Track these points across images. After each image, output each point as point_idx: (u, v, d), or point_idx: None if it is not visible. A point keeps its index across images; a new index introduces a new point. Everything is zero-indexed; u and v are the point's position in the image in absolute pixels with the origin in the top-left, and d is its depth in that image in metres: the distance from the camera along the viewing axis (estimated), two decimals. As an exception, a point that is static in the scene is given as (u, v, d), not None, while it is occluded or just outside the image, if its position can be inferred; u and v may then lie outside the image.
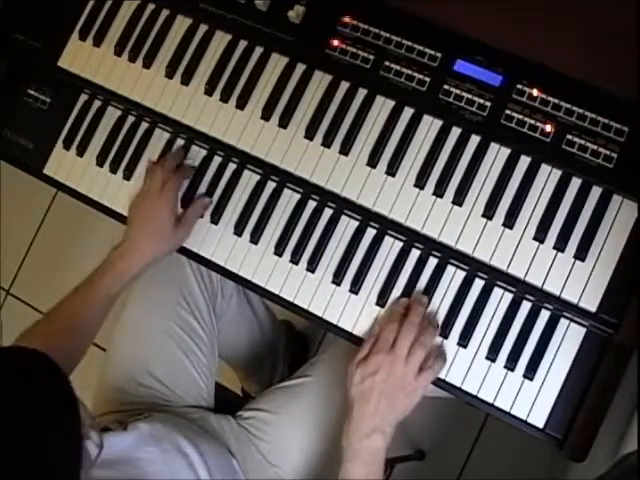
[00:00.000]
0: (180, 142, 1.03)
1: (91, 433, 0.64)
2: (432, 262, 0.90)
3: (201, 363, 1.08)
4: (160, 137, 1.04)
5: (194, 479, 0.88)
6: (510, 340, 0.86)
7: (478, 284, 0.89)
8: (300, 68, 0.98)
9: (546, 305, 0.86)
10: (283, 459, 1.01)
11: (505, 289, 0.88)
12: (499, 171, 0.89)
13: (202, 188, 1.01)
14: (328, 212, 0.95)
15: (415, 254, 0.91)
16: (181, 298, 1.07)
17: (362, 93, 0.95)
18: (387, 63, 0.94)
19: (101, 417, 1.01)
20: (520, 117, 0.89)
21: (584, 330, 0.84)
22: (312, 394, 1.02)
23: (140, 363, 1.05)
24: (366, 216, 0.94)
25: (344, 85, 0.96)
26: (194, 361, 1.07)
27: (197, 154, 1.02)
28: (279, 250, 0.96)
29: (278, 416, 1.03)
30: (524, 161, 0.89)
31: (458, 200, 0.89)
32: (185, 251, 1.00)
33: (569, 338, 0.85)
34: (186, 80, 1.03)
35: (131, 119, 1.06)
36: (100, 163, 1.06)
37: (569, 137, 0.87)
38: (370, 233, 0.93)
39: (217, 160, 1.01)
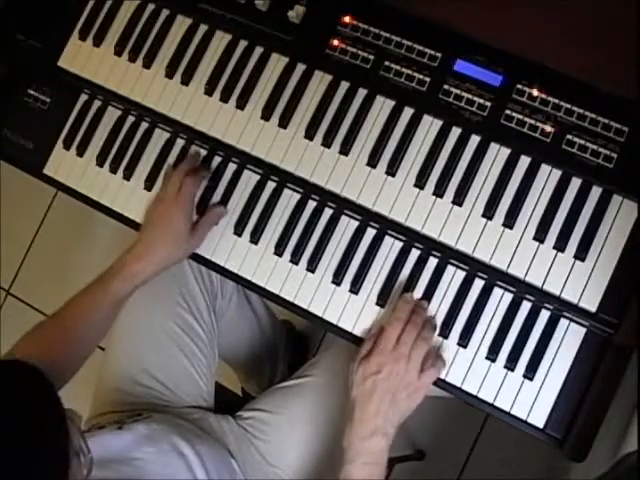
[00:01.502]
0: (180, 142, 1.03)
1: (81, 445, 0.63)
2: (432, 262, 0.90)
3: (201, 363, 1.08)
4: (160, 137, 1.04)
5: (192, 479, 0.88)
6: (510, 340, 0.86)
7: (478, 284, 0.89)
8: (300, 68, 0.98)
9: (546, 305, 0.86)
10: (283, 459, 1.01)
11: (505, 289, 0.88)
12: (499, 171, 0.89)
13: (202, 188, 1.01)
14: (328, 212, 0.95)
15: (415, 254, 0.91)
16: (181, 298, 1.07)
17: (362, 93, 0.95)
18: (387, 63, 0.94)
19: (99, 417, 1.01)
20: (520, 117, 0.89)
21: (584, 330, 0.84)
22: (312, 394, 1.02)
23: (140, 363, 1.05)
24: (366, 216, 0.94)
25: (344, 85, 0.96)
26: (194, 361, 1.07)
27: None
28: (279, 250, 0.96)
29: (278, 416, 1.03)
30: (524, 161, 0.89)
31: (458, 200, 0.89)
32: (185, 251, 1.00)
33: (569, 338, 0.85)
34: (186, 80, 1.03)
35: (131, 119, 1.06)
36: (100, 163, 1.06)
37: (569, 137, 0.87)
38: (370, 233, 0.93)
39: (217, 160, 1.02)
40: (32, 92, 1.10)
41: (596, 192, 0.86)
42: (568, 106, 0.88)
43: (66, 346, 0.89)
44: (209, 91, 1.01)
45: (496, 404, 0.85)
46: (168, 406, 1.03)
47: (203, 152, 1.02)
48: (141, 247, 0.94)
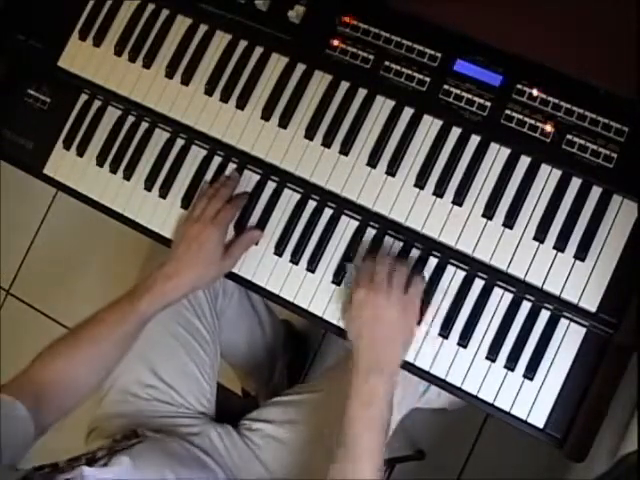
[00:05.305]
0: (180, 142, 1.03)
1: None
2: (432, 262, 0.90)
3: (205, 364, 1.08)
4: (160, 137, 1.04)
5: None
6: (510, 340, 0.86)
7: (478, 284, 0.89)
8: (300, 68, 0.98)
9: (546, 305, 0.86)
10: (287, 474, 1.00)
11: (505, 289, 0.88)
12: (499, 171, 0.89)
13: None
14: (328, 212, 0.95)
15: (415, 254, 0.91)
16: (185, 299, 1.06)
17: (362, 93, 0.95)
18: (387, 63, 0.94)
19: (91, 438, 1.01)
20: (520, 117, 0.89)
21: (584, 330, 0.84)
22: (322, 412, 1.01)
23: (145, 364, 1.05)
24: (366, 216, 0.93)
25: (344, 85, 0.96)
26: (198, 362, 1.07)
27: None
28: (279, 250, 0.96)
29: (285, 432, 1.02)
30: (524, 161, 0.89)
31: (458, 200, 0.89)
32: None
33: (569, 338, 0.85)
34: (186, 80, 1.03)
35: (131, 119, 1.06)
36: (100, 163, 1.06)
37: (569, 137, 0.87)
38: (370, 233, 0.93)
39: (217, 160, 1.01)
40: (32, 92, 1.11)
41: (596, 192, 0.86)
42: (568, 106, 0.88)
43: (87, 364, 0.87)
44: (209, 91, 1.01)
45: (496, 404, 0.85)
46: (169, 415, 1.03)
47: (203, 152, 1.02)
48: (172, 266, 0.92)
